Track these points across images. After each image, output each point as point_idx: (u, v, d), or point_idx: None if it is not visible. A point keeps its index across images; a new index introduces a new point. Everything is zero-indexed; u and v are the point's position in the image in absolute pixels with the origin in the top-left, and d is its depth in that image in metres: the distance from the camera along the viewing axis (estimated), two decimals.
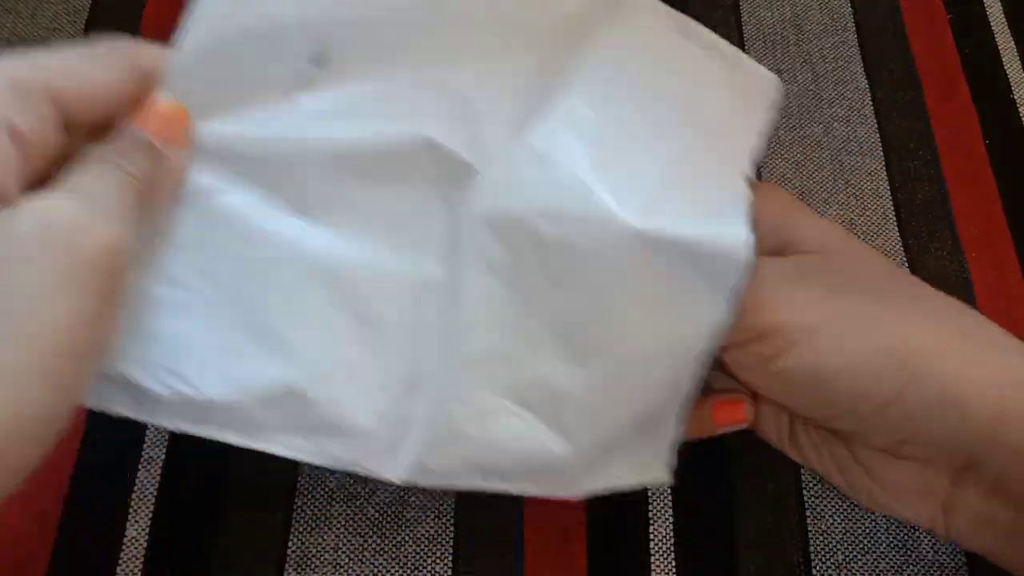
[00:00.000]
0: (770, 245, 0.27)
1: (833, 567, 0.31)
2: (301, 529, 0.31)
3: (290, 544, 0.31)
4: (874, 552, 0.31)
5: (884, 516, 0.32)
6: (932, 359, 0.23)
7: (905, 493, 0.26)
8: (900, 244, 0.36)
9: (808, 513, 0.32)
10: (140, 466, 0.32)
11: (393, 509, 0.31)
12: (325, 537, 0.31)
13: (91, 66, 0.24)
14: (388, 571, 0.31)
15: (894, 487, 0.26)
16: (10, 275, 0.20)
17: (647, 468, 0.26)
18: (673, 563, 0.31)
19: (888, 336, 0.24)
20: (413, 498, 0.32)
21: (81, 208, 0.21)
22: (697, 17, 0.42)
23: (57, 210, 0.21)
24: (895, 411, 0.24)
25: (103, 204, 0.22)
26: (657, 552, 0.31)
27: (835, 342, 0.24)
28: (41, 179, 0.24)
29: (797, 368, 0.24)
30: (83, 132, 0.24)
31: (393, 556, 0.31)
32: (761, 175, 0.38)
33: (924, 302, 0.26)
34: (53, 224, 0.21)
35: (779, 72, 0.41)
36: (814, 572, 0.31)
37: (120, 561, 0.30)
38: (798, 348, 0.24)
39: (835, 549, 0.31)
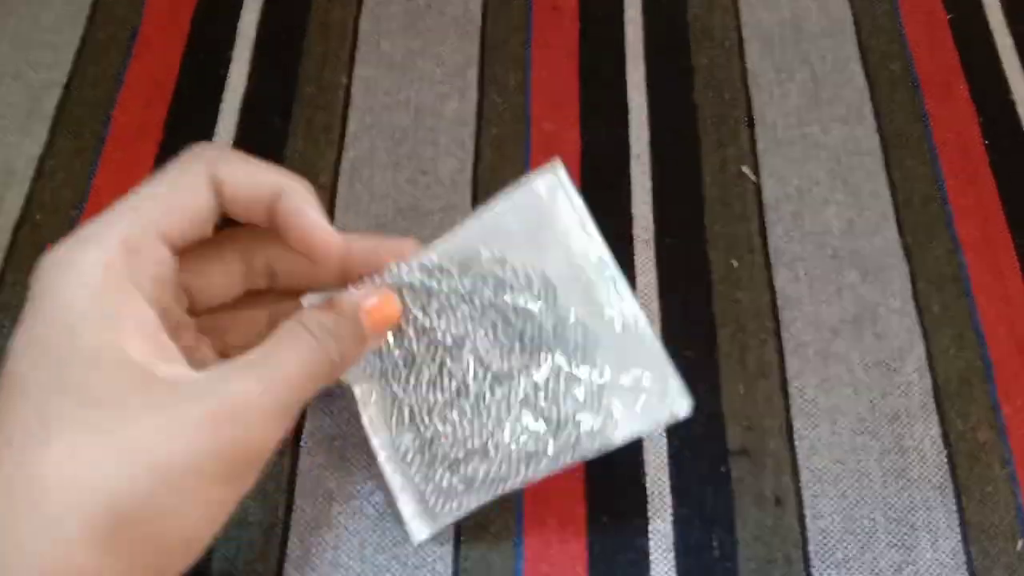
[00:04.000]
0: None
1: (833, 566, 0.31)
2: (301, 529, 0.31)
3: (290, 544, 0.31)
4: (873, 551, 0.31)
5: (884, 515, 0.32)
6: None
7: None
8: (899, 244, 0.37)
9: (808, 513, 0.32)
10: None
11: (393, 509, 0.31)
12: (325, 537, 0.31)
13: (181, 196, 0.25)
14: (388, 571, 0.31)
15: None
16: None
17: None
18: (673, 563, 0.31)
19: None
20: None
21: (257, 391, 0.23)
22: (696, 18, 0.43)
23: (235, 396, 0.23)
24: None
25: (282, 390, 0.24)
26: (657, 551, 0.31)
27: None
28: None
29: None
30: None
31: (393, 555, 0.31)
32: (760, 175, 0.38)
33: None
34: (229, 413, 0.23)
35: (778, 72, 0.41)
36: (814, 572, 0.31)
37: None
38: None
39: (835, 548, 0.31)
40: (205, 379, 0.23)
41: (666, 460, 0.32)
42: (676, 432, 0.33)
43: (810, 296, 0.36)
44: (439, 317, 0.28)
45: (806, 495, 0.32)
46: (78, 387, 0.22)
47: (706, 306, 0.35)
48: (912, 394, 0.34)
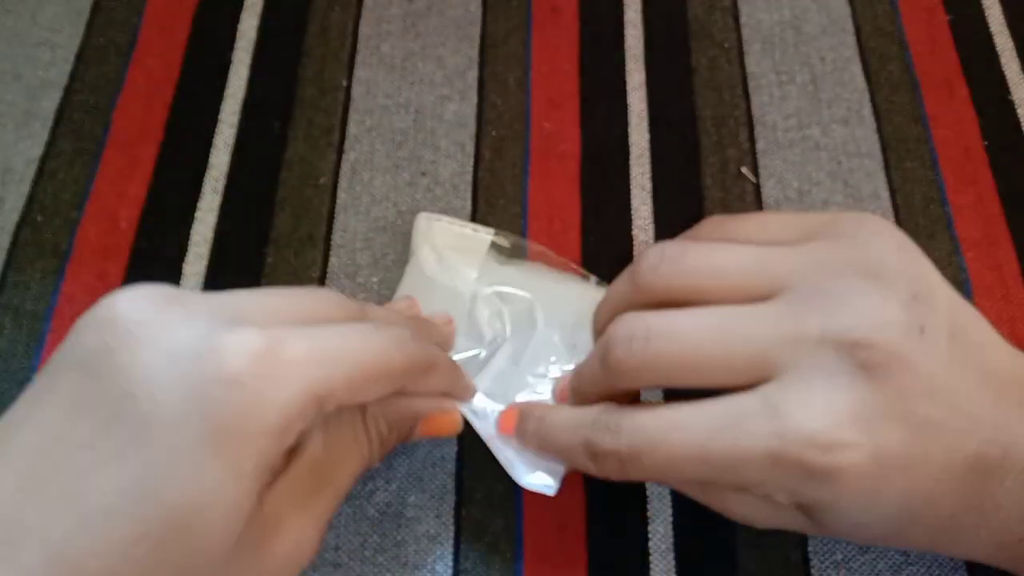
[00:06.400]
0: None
1: (832, 566, 0.31)
2: None
3: None
4: (873, 551, 0.31)
5: None
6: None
7: None
8: None
9: None
10: None
11: (393, 509, 0.32)
12: (325, 537, 0.31)
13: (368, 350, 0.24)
14: (388, 571, 0.31)
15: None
16: None
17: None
18: (673, 563, 0.31)
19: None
20: (413, 498, 0.32)
21: None
22: (696, 19, 0.43)
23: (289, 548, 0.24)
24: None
25: (334, 509, 0.26)
26: (657, 552, 0.31)
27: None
28: None
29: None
30: None
31: (393, 556, 0.31)
32: (760, 176, 0.38)
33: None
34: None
35: (777, 74, 0.41)
36: (813, 571, 0.31)
37: None
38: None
39: (834, 548, 0.31)
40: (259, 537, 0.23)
41: None
42: None
43: None
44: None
45: None
46: None
47: None
48: None
